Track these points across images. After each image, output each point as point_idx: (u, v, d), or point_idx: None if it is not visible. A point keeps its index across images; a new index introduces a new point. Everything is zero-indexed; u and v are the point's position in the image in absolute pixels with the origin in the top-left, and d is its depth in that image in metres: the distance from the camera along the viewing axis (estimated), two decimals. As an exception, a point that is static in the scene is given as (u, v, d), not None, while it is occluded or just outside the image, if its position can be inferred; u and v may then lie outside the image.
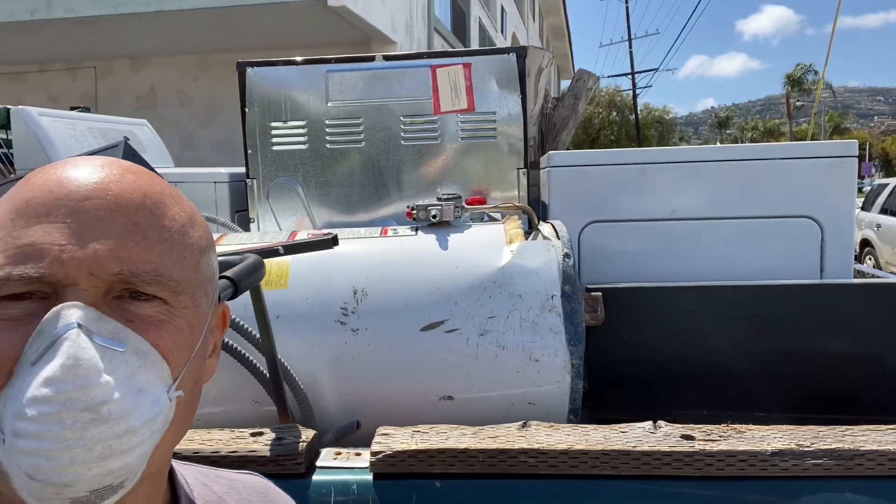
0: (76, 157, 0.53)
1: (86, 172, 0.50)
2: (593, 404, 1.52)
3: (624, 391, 1.51)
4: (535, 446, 0.97)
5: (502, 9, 14.79)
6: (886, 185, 9.93)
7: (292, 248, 1.22)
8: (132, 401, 0.46)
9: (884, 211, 9.47)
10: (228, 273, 1.00)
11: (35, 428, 0.43)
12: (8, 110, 2.21)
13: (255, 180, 1.97)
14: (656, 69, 34.36)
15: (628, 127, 33.75)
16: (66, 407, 0.43)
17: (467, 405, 1.38)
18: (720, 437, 0.98)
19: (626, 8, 33.16)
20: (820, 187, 1.79)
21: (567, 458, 0.96)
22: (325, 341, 1.39)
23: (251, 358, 1.33)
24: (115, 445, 0.45)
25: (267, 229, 2.00)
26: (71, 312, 0.45)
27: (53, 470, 0.43)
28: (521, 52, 1.86)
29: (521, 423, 1.06)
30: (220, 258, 1.18)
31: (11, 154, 2.20)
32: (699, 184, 1.83)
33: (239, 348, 1.32)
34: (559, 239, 1.51)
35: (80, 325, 0.45)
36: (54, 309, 0.45)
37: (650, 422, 1.03)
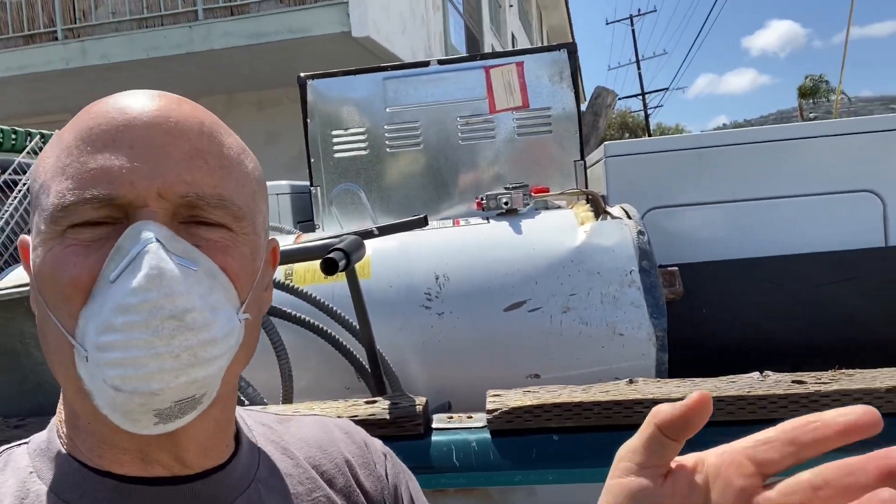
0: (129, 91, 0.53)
1: (145, 100, 0.50)
2: (678, 378, 1.53)
3: (706, 363, 1.52)
4: (649, 396, 0.99)
5: (513, 36, 15.06)
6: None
7: (387, 229, 1.26)
8: (211, 313, 0.47)
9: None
10: (340, 246, 1.04)
11: (122, 338, 0.43)
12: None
13: (318, 188, 2.03)
14: (666, 89, 34.56)
15: (642, 147, 33.68)
16: (153, 315, 0.44)
17: (554, 382, 1.40)
18: (831, 379, 0.99)
19: (633, 31, 33.52)
20: (879, 161, 1.81)
21: (682, 406, 0.98)
22: (412, 326, 1.43)
23: (346, 343, 1.37)
24: (200, 353, 0.45)
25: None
26: (148, 229, 0.45)
27: (141, 378, 0.44)
28: (571, 48, 1.92)
29: (627, 379, 1.08)
30: (320, 242, 1.23)
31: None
32: (756, 165, 1.86)
33: (334, 334, 1.36)
34: (631, 219, 1.54)
35: (157, 240, 0.45)
36: (132, 226, 0.46)
37: (757, 372, 1.05)
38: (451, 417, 1.07)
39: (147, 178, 0.46)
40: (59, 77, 6.94)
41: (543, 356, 1.40)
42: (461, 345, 1.41)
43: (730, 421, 0.97)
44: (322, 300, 1.32)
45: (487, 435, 1.00)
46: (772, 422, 0.94)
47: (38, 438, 0.54)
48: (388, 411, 1.03)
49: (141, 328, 0.43)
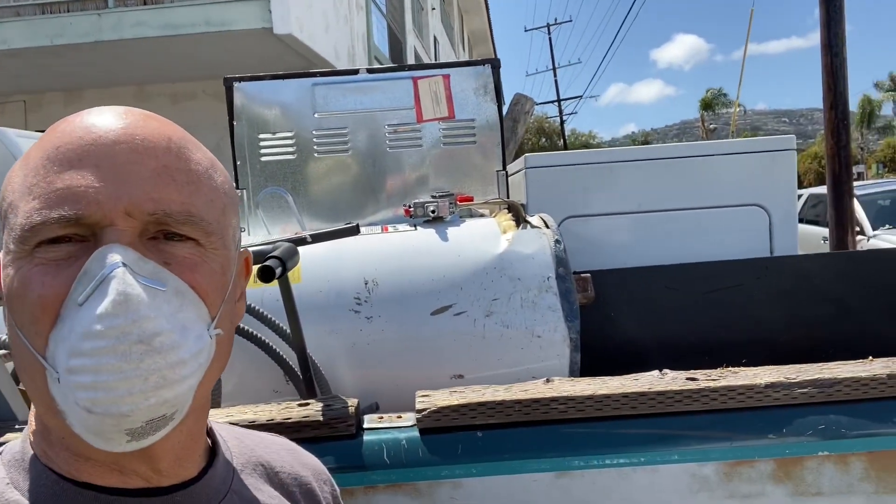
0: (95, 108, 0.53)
1: (111, 118, 0.50)
2: (589, 375, 1.65)
3: (614, 363, 1.65)
4: (564, 394, 1.08)
5: (435, 39, 15.19)
6: (800, 196, 10.71)
7: (319, 237, 1.30)
8: (180, 335, 0.47)
9: (800, 221, 10.20)
10: (276, 254, 1.08)
11: (91, 362, 0.44)
12: None
13: (244, 191, 2.03)
14: (580, 96, 35.83)
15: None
16: (121, 340, 0.44)
17: (477, 382, 1.49)
18: (719, 376, 1.12)
19: (549, 39, 34.57)
20: (765, 178, 2.01)
21: (593, 403, 1.08)
22: (341, 329, 1.47)
23: (274, 346, 1.40)
24: (169, 375, 0.46)
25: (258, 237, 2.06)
26: (116, 251, 0.46)
27: (111, 401, 0.44)
28: (495, 64, 2.01)
29: (544, 379, 1.17)
30: (254, 247, 1.26)
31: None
32: (660, 179, 2.02)
33: (262, 337, 1.38)
34: (549, 228, 1.65)
35: (124, 265, 0.45)
36: (98, 251, 0.46)
37: (657, 370, 1.17)
38: (382, 418, 1.12)
39: (114, 196, 0.47)
40: (-51, 61, 6.44)
41: (467, 358, 1.48)
42: (389, 347, 1.47)
43: (634, 415, 1.08)
44: (254, 306, 1.35)
45: (416, 433, 1.07)
46: (670, 415, 1.06)
47: (12, 449, 0.53)
48: (321, 413, 1.07)
49: (109, 353, 0.44)
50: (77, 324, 0.45)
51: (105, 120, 0.50)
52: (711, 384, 1.09)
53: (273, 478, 0.63)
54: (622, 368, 1.69)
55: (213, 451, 0.60)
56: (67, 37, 6.10)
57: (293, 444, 0.72)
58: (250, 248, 1.26)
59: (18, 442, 0.54)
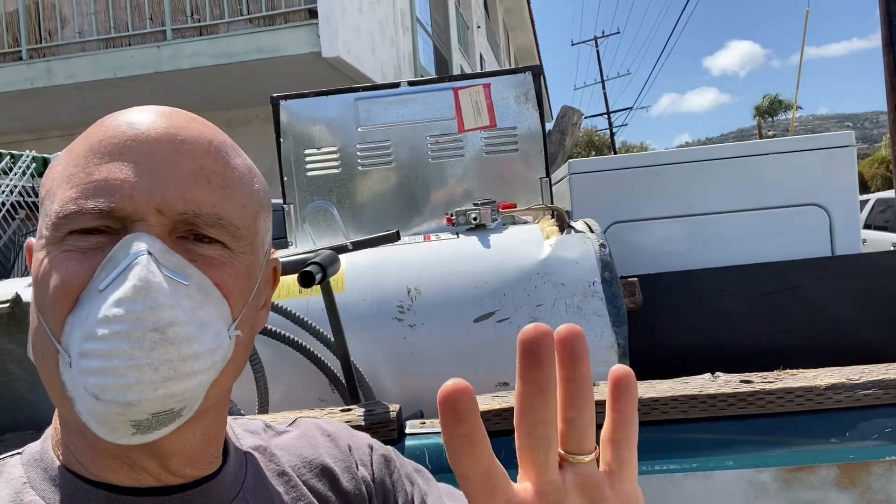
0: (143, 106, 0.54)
1: (156, 117, 0.51)
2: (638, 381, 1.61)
3: (665, 369, 1.59)
4: (610, 397, 1.05)
5: (481, 56, 15.31)
6: (867, 201, 10.21)
7: (361, 244, 1.31)
8: (196, 329, 0.47)
9: (867, 226, 9.72)
10: (316, 260, 1.09)
11: (104, 346, 0.44)
12: (46, 159, 2.31)
13: (291, 205, 2.07)
14: (630, 108, 35.34)
15: (609, 164, 34.34)
16: (136, 326, 0.44)
17: (522, 390, 1.47)
18: (776, 378, 1.07)
19: (597, 52, 34.29)
20: (824, 176, 1.93)
21: (640, 406, 1.04)
22: (385, 337, 1.48)
23: (319, 355, 1.41)
24: (180, 368, 0.45)
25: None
26: (141, 241, 0.46)
27: (119, 389, 0.44)
28: (536, 71, 2.00)
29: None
30: (296, 256, 1.28)
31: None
32: (711, 180, 1.96)
33: (308, 346, 1.40)
34: (593, 232, 1.62)
35: (149, 253, 0.46)
36: (125, 238, 0.46)
37: (708, 373, 1.12)
38: (424, 423, 1.11)
39: (147, 193, 0.47)
40: (22, 97, 6.85)
41: (512, 365, 1.44)
42: (432, 355, 1.46)
43: (684, 419, 1.04)
44: (298, 314, 1.36)
45: (458, 438, 1.05)
46: (723, 419, 1.01)
47: (32, 449, 0.54)
48: (363, 418, 1.07)
49: (122, 338, 0.44)
50: (95, 308, 0.45)
51: (150, 118, 0.51)
52: (767, 386, 1.04)
53: (285, 472, 0.61)
54: (672, 375, 1.64)
55: (226, 449, 0.59)
56: (129, 69, 6.41)
57: (335, 427, 0.69)
58: (292, 257, 1.28)
59: (39, 442, 0.55)
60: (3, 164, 2.20)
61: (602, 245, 1.55)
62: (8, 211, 2.05)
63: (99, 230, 0.48)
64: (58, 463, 0.52)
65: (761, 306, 1.56)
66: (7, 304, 1.11)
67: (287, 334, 1.40)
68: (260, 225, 0.55)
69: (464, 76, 2.08)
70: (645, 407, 1.04)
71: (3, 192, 2.04)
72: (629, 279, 1.59)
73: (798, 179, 1.94)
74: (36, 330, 0.49)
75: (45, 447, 0.53)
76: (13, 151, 2.30)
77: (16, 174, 2.14)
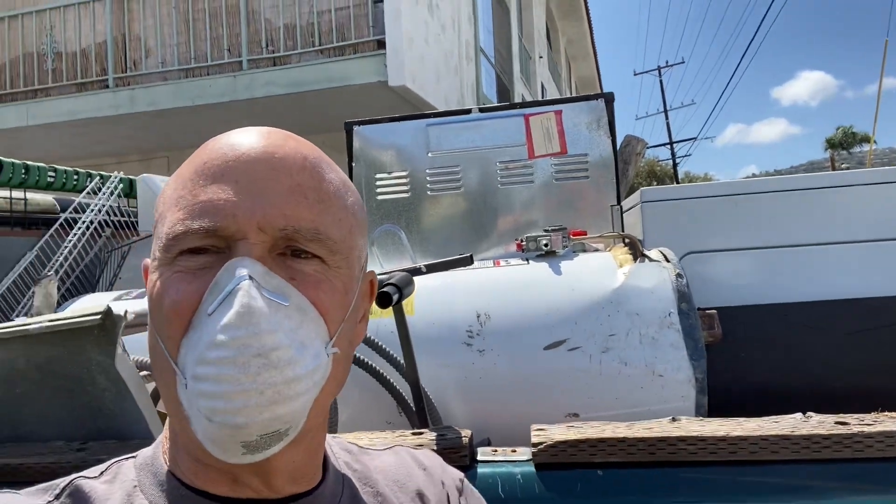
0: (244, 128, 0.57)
1: (254, 138, 0.53)
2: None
3: (745, 408, 1.52)
4: (693, 434, 1.00)
5: (542, 86, 15.36)
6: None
7: (434, 267, 1.31)
8: (297, 351, 0.48)
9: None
10: (393, 281, 1.10)
11: (214, 371, 0.46)
12: (132, 180, 2.43)
13: (360, 228, 2.10)
14: (694, 138, 34.63)
15: (671, 195, 33.62)
16: (241, 352, 0.46)
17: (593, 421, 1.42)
18: (874, 420, 1.00)
19: (661, 81, 33.90)
20: (917, 208, 1.82)
21: (726, 445, 0.99)
22: (453, 363, 1.47)
23: (389, 377, 1.41)
24: (283, 391, 0.47)
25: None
26: (243, 265, 0.48)
27: (229, 412, 0.45)
28: (608, 97, 1.99)
29: (670, 417, 1.10)
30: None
31: (135, 221, 2.40)
32: (791, 212, 1.88)
33: (377, 367, 1.40)
34: (669, 262, 1.57)
35: (251, 278, 0.47)
36: (228, 263, 0.48)
37: (798, 413, 1.06)
38: (496, 451, 1.09)
39: (249, 211, 0.49)
40: (106, 123, 7.26)
41: (583, 395, 1.42)
42: (501, 382, 1.44)
43: (774, 460, 0.98)
44: (370, 336, 1.37)
45: (532, 468, 1.03)
46: (816, 462, 0.95)
47: (145, 453, 0.57)
48: (434, 443, 1.06)
49: (230, 364, 0.46)
50: (205, 333, 0.47)
51: (248, 139, 0.53)
52: (866, 429, 0.97)
53: (381, 493, 0.62)
54: (753, 414, 1.56)
55: (325, 465, 0.60)
56: (206, 97, 6.72)
57: (405, 454, 0.70)
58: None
59: (151, 447, 0.57)
60: (92, 184, 2.33)
61: (679, 275, 1.50)
62: (96, 229, 2.17)
63: (206, 249, 0.50)
64: (166, 469, 0.54)
65: (851, 344, 1.47)
66: (98, 317, 1.16)
67: (357, 355, 1.41)
68: (356, 239, 0.56)
69: (535, 102, 2.08)
70: (732, 445, 0.99)
71: (93, 210, 2.15)
72: (708, 311, 1.53)
73: (885, 212, 1.84)
74: (153, 348, 0.52)
75: (157, 453, 0.56)
76: (102, 173, 2.43)
77: (104, 194, 2.25)
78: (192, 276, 0.49)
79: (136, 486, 0.53)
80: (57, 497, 0.52)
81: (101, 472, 0.55)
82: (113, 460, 0.56)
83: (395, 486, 0.63)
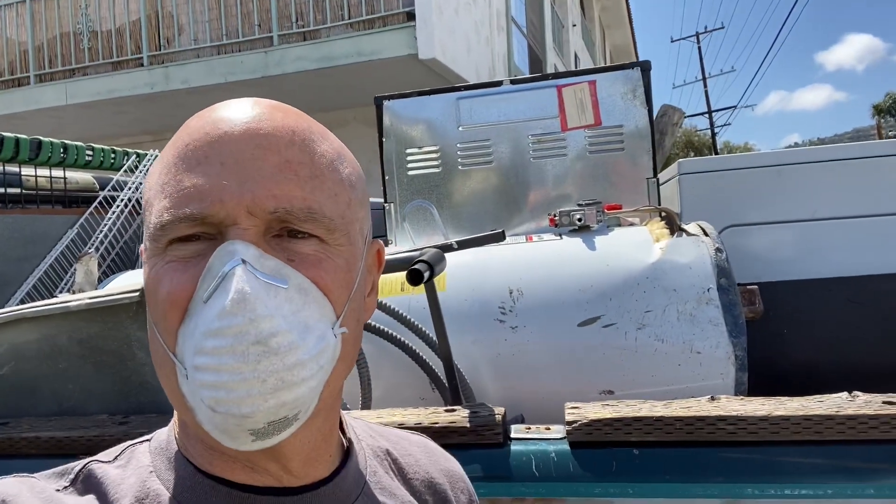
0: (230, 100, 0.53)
1: (238, 113, 0.50)
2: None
3: (787, 385, 1.48)
4: (733, 413, 0.98)
5: (575, 55, 15.04)
6: None
7: (466, 243, 1.30)
8: (299, 335, 0.46)
9: None
10: (424, 258, 1.09)
11: (213, 361, 0.44)
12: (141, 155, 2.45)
13: (392, 204, 2.09)
14: (734, 106, 33.63)
15: (709, 166, 32.86)
16: (239, 340, 0.44)
17: (628, 399, 1.40)
18: (926, 401, 0.96)
19: (699, 48, 32.90)
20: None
21: (767, 425, 0.96)
22: (486, 339, 1.45)
23: (422, 354, 1.41)
24: (287, 377, 0.45)
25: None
26: (235, 249, 0.46)
27: (233, 402, 0.44)
28: (645, 66, 1.92)
29: (709, 396, 1.07)
30: (402, 254, 1.28)
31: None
32: (839, 182, 1.81)
33: (410, 344, 1.40)
34: (708, 236, 1.53)
35: (244, 262, 0.45)
36: (220, 247, 0.46)
37: (844, 392, 1.02)
38: (530, 428, 1.08)
39: (236, 195, 0.47)
40: (142, 101, 7.37)
41: (618, 372, 1.40)
42: (534, 358, 1.43)
43: (818, 441, 0.95)
44: (402, 313, 1.37)
45: (566, 446, 1.02)
46: (862, 443, 0.92)
47: (160, 437, 0.55)
48: (467, 419, 1.05)
49: (228, 353, 0.44)
50: (201, 321, 0.45)
51: (232, 114, 0.50)
52: (916, 410, 0.94)
53: (406, 480, 0.62)
54: (795, 392, 1.52)
55: (348, 451, 0.58)
56: (238, 74, 6.76)
57: (433, 445, 0.70)
58: (397, 255, 1.28)
59: (166, 430, 0.56)
60: (129, 162, 2.36)
61: (718, 249, 1.46)
62: (133, 206, 2.20)
63: (196, 236, 0.48)
64: (181, 453, 0.53)
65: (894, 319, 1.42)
66: (136, 294, 1.18)
67: (390, 332, 1.41)
68: (355, 212, 0.53)
69: (568, 73, 2.02)
70: (773, 426, 0.96)
71: (130, 188, 2.18)
72: (748, 287, 1.49)
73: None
74: (152, 342, 0.50)
75: (171, 437, 0.55)
76: (139, 151, 2.46)
77: (141, 172, 2.28)
78: (184, 265, 0.47)
79: (151, 472, 0.52)
80: (72, 482, 0.51)
81: (116, 457, 0.54)
82: (127, 443, 0.56)
83: (422, 472, 0.63)
